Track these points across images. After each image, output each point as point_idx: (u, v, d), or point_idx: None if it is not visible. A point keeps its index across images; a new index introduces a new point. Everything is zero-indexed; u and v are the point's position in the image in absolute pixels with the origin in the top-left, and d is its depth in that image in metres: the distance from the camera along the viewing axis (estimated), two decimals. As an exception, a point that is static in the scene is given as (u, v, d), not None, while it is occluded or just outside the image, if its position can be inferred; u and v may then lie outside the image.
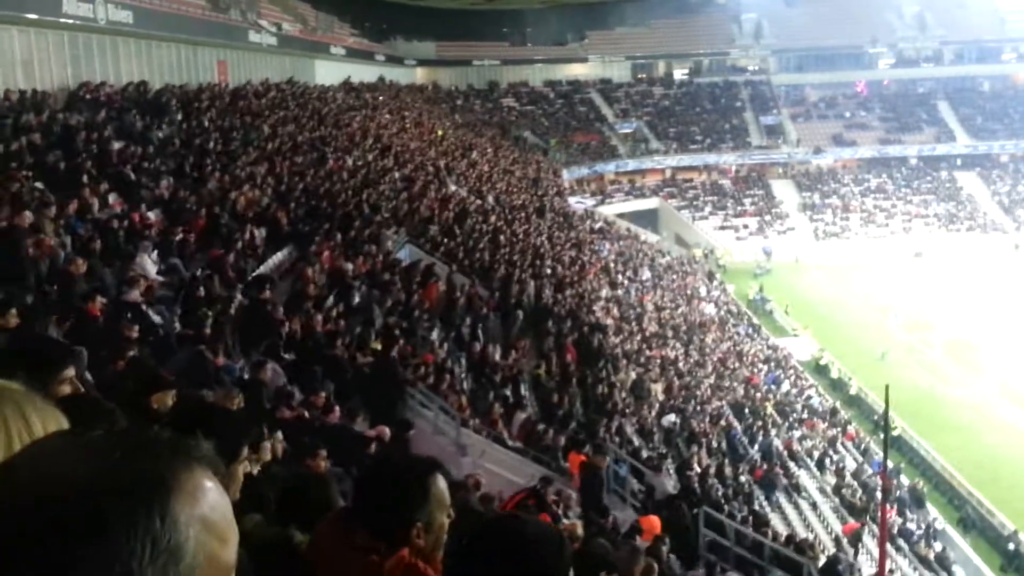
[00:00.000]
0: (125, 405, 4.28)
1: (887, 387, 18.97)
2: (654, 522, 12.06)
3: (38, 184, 14.88)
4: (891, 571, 21.32)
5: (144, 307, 10.84)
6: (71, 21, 21.88)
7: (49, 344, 3.30)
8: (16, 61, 20.11)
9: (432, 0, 71.13)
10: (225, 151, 22.27)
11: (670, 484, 16.79)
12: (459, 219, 28.14)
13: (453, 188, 33.28)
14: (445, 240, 25.41)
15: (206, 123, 24.19)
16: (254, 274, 15.59)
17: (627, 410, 22.12)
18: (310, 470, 3.71)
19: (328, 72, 45.72)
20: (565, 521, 9.30)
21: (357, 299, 17.13)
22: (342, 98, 41.08)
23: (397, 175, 29.95)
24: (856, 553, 22.90)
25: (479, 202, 32.93)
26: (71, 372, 3.09)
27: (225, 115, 25.96)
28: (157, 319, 10.85)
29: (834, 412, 34.36)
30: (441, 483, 2.53)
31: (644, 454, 19.54)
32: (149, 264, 13.49)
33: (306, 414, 9.76)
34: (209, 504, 0.95)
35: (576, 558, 2.93)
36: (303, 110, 32.57)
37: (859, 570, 20.54)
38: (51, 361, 3.03)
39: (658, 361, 29.58)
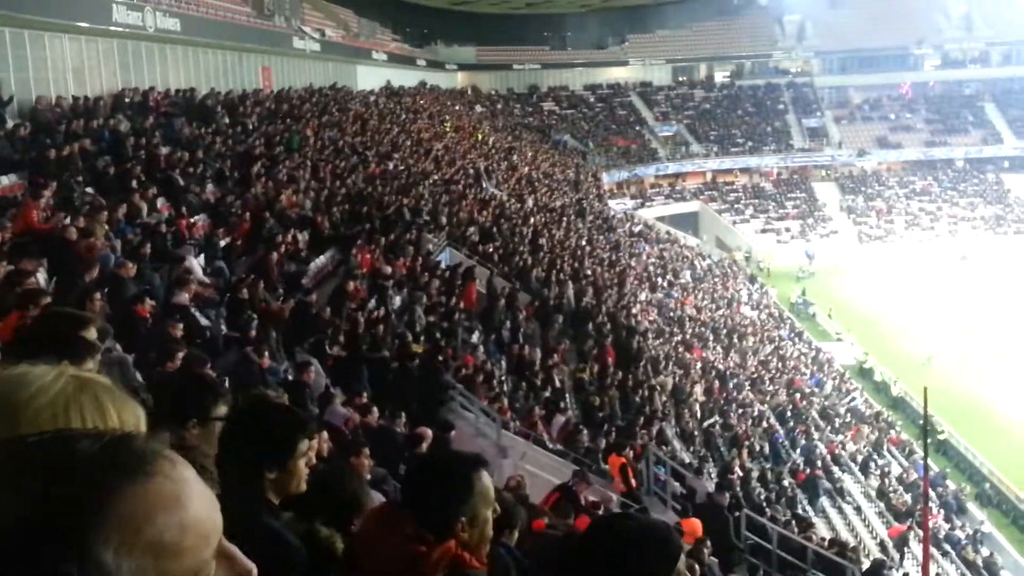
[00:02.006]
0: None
1: (925, 389, 18.77)
2: (695, 525, 12.06)
3: (89, 189, 15.24)
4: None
5: (192, 309, 11.08)
6: (121, 29, 22.32)
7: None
8: (67, 68, 20.58)
9: (473, 5, 71.50)
10: (269, 155, 22.59)
11: (711, 487, 16.73)
12: (498, 221, 28.26)
13: (493, 190, 33.41)
14: (485, 243, 25.54)
15: (251, 127, 24.58)
16: (298, 276, 15.83)
17: (668, 413, 22.07)
18: (352, 468, 3.78)
19: (370, 77, 46.14)
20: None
21: (398, 301, 17.33)
22: (383, 103, 41.43)
23: (437, 178, 30.17)
24: (902, 558, 22.68)
25: (519, 205, 33.03)
26: (90, 365, 3.18)
27: (269, 120, 26.35)
28: (205, 321, 11.08)
29: (878, 416, 34.01)
30: (486, 479, 2.60)
31: (685, 457, 19.53)
32: (196, 267, 13.75)
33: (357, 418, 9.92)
34: (154, 523, 0.86)
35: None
36: (344, 114, 32.93)
37: (905, 575, 20.34)
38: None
39: (699, 364, 29.46)
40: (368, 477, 7.38)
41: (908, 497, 26.66)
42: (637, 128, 69.16)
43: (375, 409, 10.48)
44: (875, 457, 29.50)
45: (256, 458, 2.74)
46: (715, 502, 14.99)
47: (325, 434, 6.52)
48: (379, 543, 2.65)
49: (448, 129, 43.12)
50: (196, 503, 0.91)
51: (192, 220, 16.28)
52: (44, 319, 4.56)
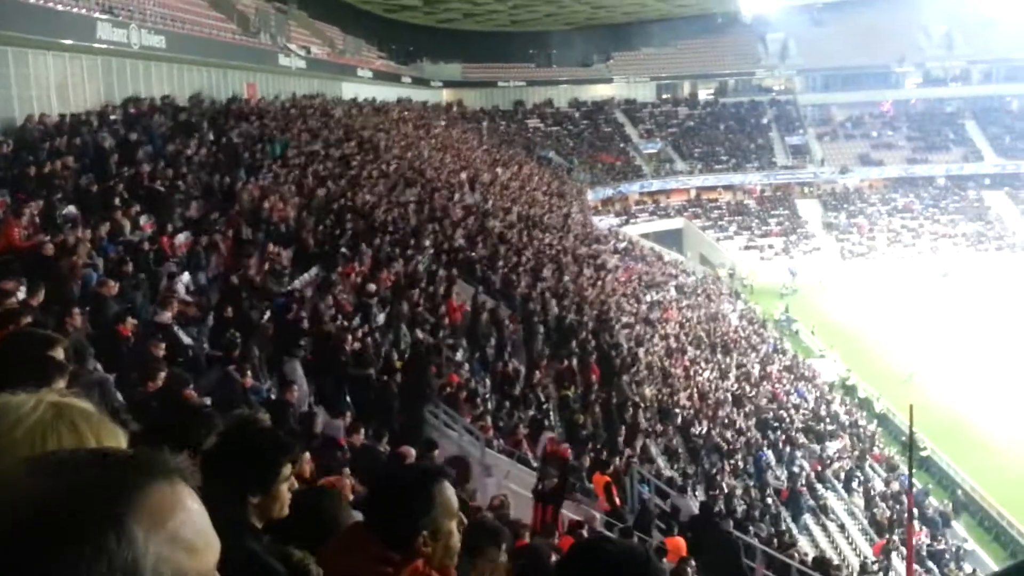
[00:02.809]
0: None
1: (911, 407, 18.89)
2: (679, 543, 12.05)
3: (71, 207, 15.18)
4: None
5: (175, 328, 11.04)
6: (105, 46, 22.30)
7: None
8: (51, 85, 20.51)
9: (458, 23, 71.78)
10: (252, 166, 22.55)
11: (695, 505, 16.72)
12: (482, 236, 28.29)
13: (476, 204, 33.45)
14: (469, 255, 25.57)
15: (234, 139, 24.56)
16: (283, 293, 15.80)
17: (652, 428, 22.09)
18: (329, 490, 3.75)
19: (355, 94, 46.17)
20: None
21: (382, 318, 17.30)
22: (367, 115, 41.53)
23: (420, 190, 30.22)
24: (886, 573, 22.73)
25: (503, 219, 33.07)
26: (61, 384, 3.16)
27: (252, 131, 26.34)
28: (187, 340, 11.04)
29: (862, 432, 34.15)
30: (448, 491, 2.55)
31: (669, 474, 19.54)
32: (179, 285, 13.70)
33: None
34: (175, 517, 0.97)
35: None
36: (327, 126, 32.98)
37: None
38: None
39: (682, 378, 29.51)
40: (351, 497, 7.37)
41: (891, 513, 26.73)
42: (622, 145, 69.47)
43: (360, 428, 10.44)
44: (858, 473, 29.58)
45: (239, 483, 2.72)
46: (721, 528, 14.88)
47: (308, 455, 6.50)
48: (346, 565, 2.61)
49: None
50: (204, 514, 1.05)
51: (175, 237, 16.23)
52: (10, 340, 4.53)
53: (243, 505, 2.72)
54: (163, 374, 7.57)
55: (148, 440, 3.09)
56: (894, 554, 23.62)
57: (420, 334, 17.12)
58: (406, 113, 47.75)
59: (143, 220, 16.31)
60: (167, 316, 11.06)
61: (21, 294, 8.96)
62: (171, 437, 3.07)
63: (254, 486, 2.75)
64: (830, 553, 22.18)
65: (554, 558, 4.72)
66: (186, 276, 14.32)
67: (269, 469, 2.79)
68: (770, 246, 61.15)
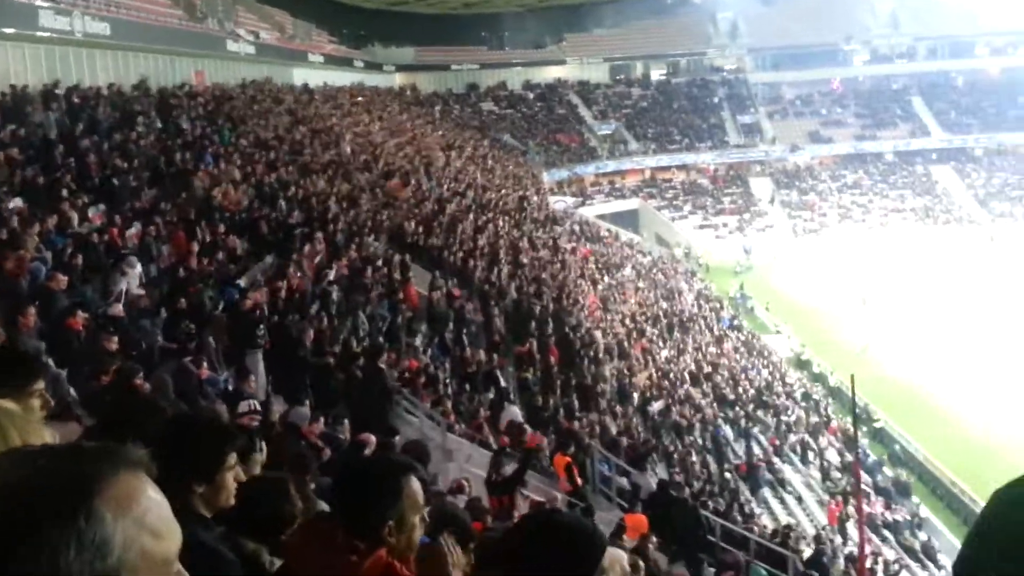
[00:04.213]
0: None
1: (852, 377, 19.24)
2: (640, 519, 12.15)
3: (17, 200, 14.87)
4: (876, 559, 21.55)
5: (127, 321, 10.88)
6: (48, 34, 21.84)
7: (15, 358, 3.33)
8: (-7, 75, 20.09)
9: (409, 5, 71.25)
10: (201, 154, 22.24)
11: (655, 482, 16.89)
12: (438, 219, 28.22)
13: (431, 188, 33.34)
14: (424, 241, 25.50)
15: (184, 126, 24.21)
16: (238, 283, 15.63)
17: (611, 407, 22.21)
18: (279, 481, 3.71)
19: (307, 80, 45.68)
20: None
21: (339, 304, 17.19)
22: (320, 99, 41.17)
23: (376, 175, 30.04)
24: (844, 540, 23.16)
25: (459, 202, 32.99)
26: (40, 385, 3.16)
27: (201, 117, 26.00)
28: (140, 333, 10.88)
29: (816, 406, 34.69)
30: (415, 484, 2.59)
31: (629, 452, 19.63)
32: (132, 277, 13.49)
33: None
34: (140, 503, 1.05)
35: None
36: (278, 110, 32.66)
37: (844, 558, 20.73)
38: (19, 375, 3.08)
39: (640, 356, 29.72)
40: (313, 486, 7.34)
41: (846, 484, 27.19)
42: (576, 126, 69.56)
43: (320, 417, 10.38)
44: (813, 446, 30.05)
45: (184, 471, 2.71)
46: (679, 498, 15.05)
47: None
48: (309, 554, 2.63)
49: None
50: (167, 504, 1.12)
51: (126, 228, 15.98)
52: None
53: (188, 494, 2.71)
54: (114, 368, 7.47)
55: (101, 434, 3.07)
56: (849, 523, 24.06)
57: (373, 324, 17.04)
58: (359, 99, 47.34)
59: (91, 211, 16.05)
60: (118, 309, 10.90)
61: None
62: (124, 430, 3.05)
63: (198, 474, 2.75)
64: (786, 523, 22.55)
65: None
66: (137, 267, 14.11)
67: (213, 458, 2.79)
68: (724, 224, 61.72)
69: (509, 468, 10.14)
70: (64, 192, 15.73)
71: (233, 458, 2.85)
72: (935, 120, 71.80)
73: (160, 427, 3.05)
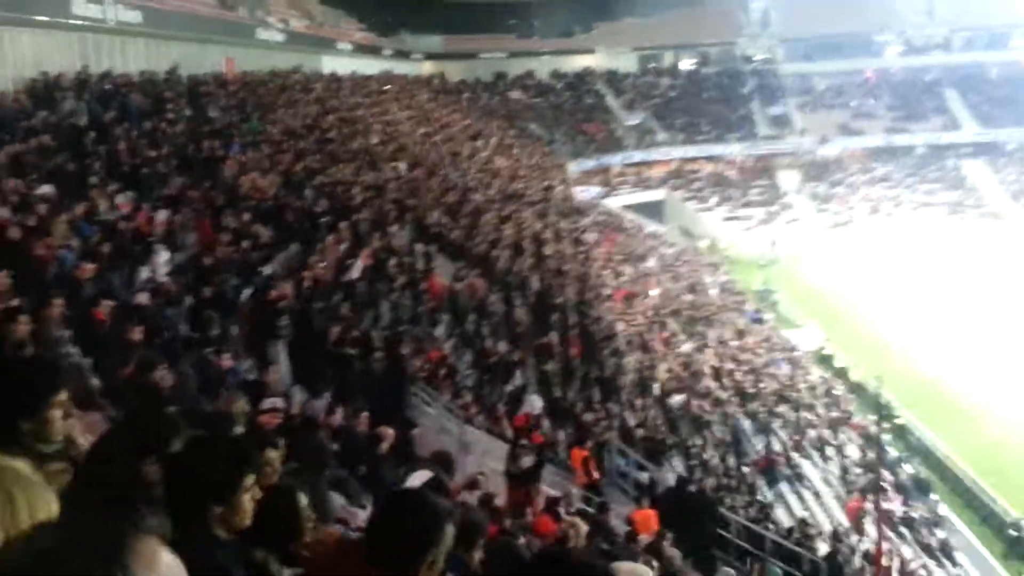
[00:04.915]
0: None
1: (879, 377, 19.16)
2: (648, 515, 12.23)
3: (47, 187, 15.12)
4: (893, 557, 21.52)
5: (152, 309, 11.07)
6: (80, 22, 22.11)
7: (38, 367, 3.46)
8: (26, 63, 20.36)
9: (439, -7, 71.24)
10: (229, 142, 22.46)
11: (672, 478, 16.96)
12: (463, 209, 28.33)
13: (457, 177, 33.45)
14: (449, 231, 25.62)
15: (213, 114, 24.46)
16: (262, 271, 15.82)
17: (631, 400, 22.28)
18: (289, 492, 3.79)
19: (336, 68, 45.87)
20: (566, 518, 9.47)
21: (362, 293, 17.34)
22: (349, 87, 41.37)
23: (402, 165, 30.18)
24: (861, 536, 23.14)
25: (483, 192, 33.10)
26: (62, 396, 3.27)
27: (231, 106, 26.24)
28: (165, 322, 11.07)
29: (837, 401, 34.54)
30: (451, 528, 2.70)
31: (647, 446, 19.71)
32: (158, 265, 13.70)
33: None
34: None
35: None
36: (308, 99, 32.86)
37: (861, 555, 20.72)
38: (41, 387, 3.21)
39: (662, 349, 29.73)
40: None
41: (865, 480, 27.12)
42: (604, 116, 69.31)
43: (338, 409, 10.53)
44: (833, 441, 29.94)
45: (201, 494, 2.81)
46: (697, 493, 15.09)
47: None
48: None
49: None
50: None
51: (154, 216, 16.20)
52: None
53: (206, 515, 2.81)
54: (136, 359, 7.65)
55: (113, 446, 3.21)
56: (867, 520, 24.04)
57: (395, 314, 17.18)
58: (387, 87, 47.49)
59: (120, 199, 16.28)
60: (143, 297, 11.11)
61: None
62: (137, 443, 3.17)
63: (216, 497, 2.84)
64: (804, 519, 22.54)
65: (525, 547, 4.85)
66: (164, 255, 14.32)
67: (230, 480, 2.88)
68: (751, 217, 61.28)
69: (527, 461, 10.24)
70: (93, 179, 15.99)
71: (251, 480, 2.93)
72: (968, 113, 70.84)
73: (177, 451, 3.15)
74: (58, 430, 3.08)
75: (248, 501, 2.92)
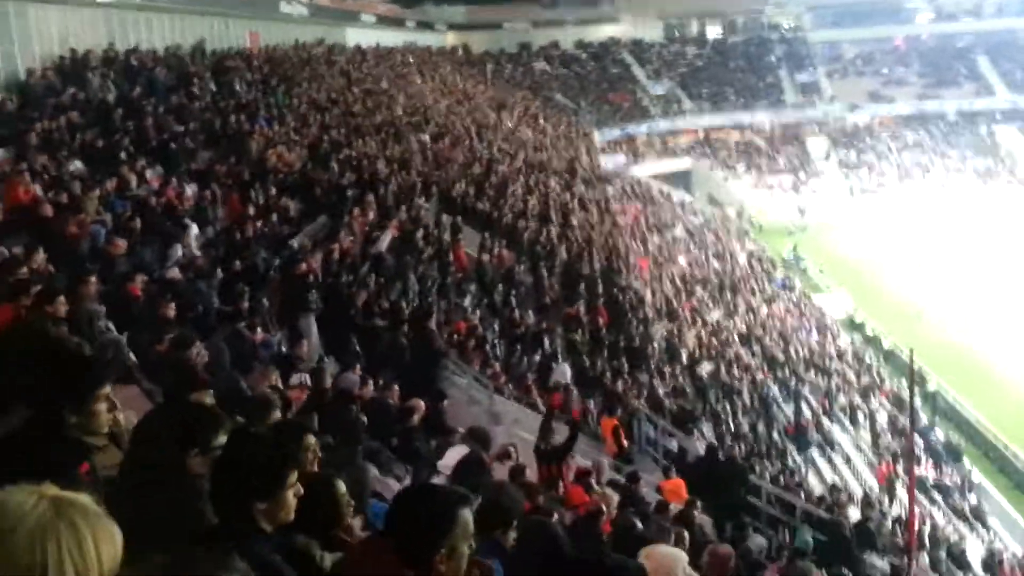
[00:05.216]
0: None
1: (912, 351, 19.03)
2: (677, 484, 12.24)
3: (77, 163, 15.25)
4: (925, 522, 21.46)
5: (184, 284, 11.17)
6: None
7: (81, 363, 3.57)
8: (53, 40, 20.47)
9: (462, -37, 70.70)
10: (255, 116, 22.50)
11: (701, 446, 16.97)
12: (489, 180, 28.28)
13: (482, 148, 33.37)
14: (475, 202, 25.60)
15: (237, 88, 24.52)
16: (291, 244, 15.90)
17: (659, 369, 22.25)
18: (331, 481, 3.83)
19: (359, 40, 45.80)
20: (597, 490, 9.51)
21: (390, 265, 17.38)
22: (373, 60, 41.33)
23: (427, 137, 30.14)
24: (891, 501, 23.08)
25: (509, 163, 33.00)
26: (106, 389, 3.36)
27: (255, 80, 26.29)
28: (196, 296, 11.15)
29: (868, 368, 34.37)
30: (467, 515, 2.72)
31: (676, 414, 19.67)
32: (190, 239, 13.80)
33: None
34: None
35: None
36: (332, 72, 32.87)
37: (893, 520, 20.65)
38: (87, 381, 3.31)
39: (690, 317, 29.66)
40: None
41: (896, 445, 27.02)
42: (629, 86, 68.78)
43: (370, 382, 10.60)
44: (864, 408, 29.81)
45: (246, 492, 2.85)
46: (727, 459, 15.05)
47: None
48: (362, 573, 2.79)
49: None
50: None
51: (183, 190, 16.30)
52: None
53: (250, 510, 2.85)
54: (170, 336, 7.72)
55: (156, 440, 3.27)
56: (898, 484, 23.98)
57: (423, 285, 17.21)
58: (410, 59, 47.37)
59: (149, 174, 16.39)
60: (175, 272, 11.20)
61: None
62: (180, 436, 3.24)
63: (260, 493, 2.88)
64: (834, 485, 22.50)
65: (560, 526, 4.87)
66: (194, 229, 14.42)
67: (275, 477, 2.92)
68: (779, 185, 60.77)
69: (559, 436, 10.26)
70: (123, 155, 16.11)
71: (294, 476, 2.97)
72: (1000, 80, 69.64)
73: (223, 445, 3.21)
74: (103, 422, 3.19)
75: (291, 496, 2.96)
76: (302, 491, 3.00)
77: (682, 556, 3.65)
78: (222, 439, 3.29)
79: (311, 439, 4.38)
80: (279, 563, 2.87)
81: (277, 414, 5.20)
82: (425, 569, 2.62)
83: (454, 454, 7.57)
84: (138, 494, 3.10)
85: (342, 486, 3.72)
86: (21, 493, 1.38)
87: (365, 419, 8.43)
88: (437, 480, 7.20)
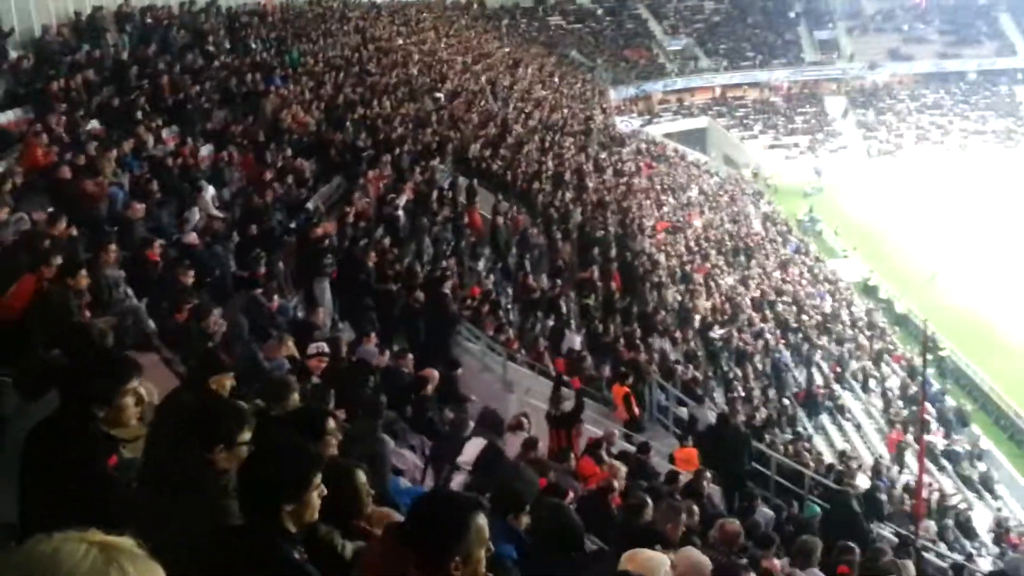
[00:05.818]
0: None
1: (926, 321, 18.96)
2: (690, 453, 12.32)
3: (94, 122, 15.27)
4: (933, 489, 21.57)
5: (201, 248, 11.22)
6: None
7: (112, 359, 3.70)
8: (67, -1, 20.40)
9: (477, -85, 69.55)
10: (270, 76, 22.39)
11: (712, 414, 17.02)
12: (504, 141, 28.16)
13: (497, 108, 33.18)
14: (489, 164, 25.50)
15: (252, 45, 24.40)
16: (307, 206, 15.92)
17: (671, 333, 22.25)
18: (351, 471, 3.90)
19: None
20: (607, 461, 9.59)
21: (405, 227, 17.38)
22: (387, 15, 40.99)
23: (441, 96, 29.97)
24: (901, 469, 23.18)
25: (523, 123, 32.82)
26: (134, 384, 3.47)
27: (270, 37, 26.16)
28: (213, 260, 11.21)
29: (882, 332, 34.29)
30: (481, 520, 2.76)
31: (687, 382, 19.71)
32: (207, 200, 13.84)
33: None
34: None
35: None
36: (346, 28, 32.66)
37: (901, 487, 20.74)
38: (115, 377, 3.43)
39: (703, 281, 29.57)
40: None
41: (907, 411, 27.06)
42: (646, 42, 68.00)
43: (385, 351, 10.67)
44: (875, 373, 29.79)
45: (273, 494, 2.94)
46: (733, 426, 15.08)
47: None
48: (381, 572, 2.90)
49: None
50: None
51: (198, 150, 16.32)
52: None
53: (278, 512, 2.93)
54: (189, 306, 7.80)
55: (183, 435, 3.35)
56: (908, 452, 24.07)
57: (437, 248, 17.22)
58: (425, 14, 46.94)
59: (165, 133, 16.41)
60: (192, 237, 11.26)
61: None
62: (205, 432, 3.32)
63: (287, 496, 2.96)
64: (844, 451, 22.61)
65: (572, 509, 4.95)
66: (211, 190, 14.45)
67: (300, 480, 3.00)
68: (795, 145, 60.18)
69: (567, 405, 10.35)
70: (139, 114, 16.10)
71: (319, 478, 3.05)
72: (1022, 38, 68.59)
73: (251, 446, 3.29)
74: (131, 416, 3.30)
75: (316, 498, 3.04)
76: (326, 492, 3.07)
77: (664, 561, 3.73)
78: (247, 435, 3.36)
79: (331, 423, 4.45)
80: (307, 566, 2.94)
81: (296, 397, 5.27)
82: (442, 573, 2.67)
83: (472, 448, 7.66)
84: (163, 492, 3.18)
85: (362, 476, 3.79)
86: (70, 542, 1.43)
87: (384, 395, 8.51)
88: (459, 476, 7.33)
